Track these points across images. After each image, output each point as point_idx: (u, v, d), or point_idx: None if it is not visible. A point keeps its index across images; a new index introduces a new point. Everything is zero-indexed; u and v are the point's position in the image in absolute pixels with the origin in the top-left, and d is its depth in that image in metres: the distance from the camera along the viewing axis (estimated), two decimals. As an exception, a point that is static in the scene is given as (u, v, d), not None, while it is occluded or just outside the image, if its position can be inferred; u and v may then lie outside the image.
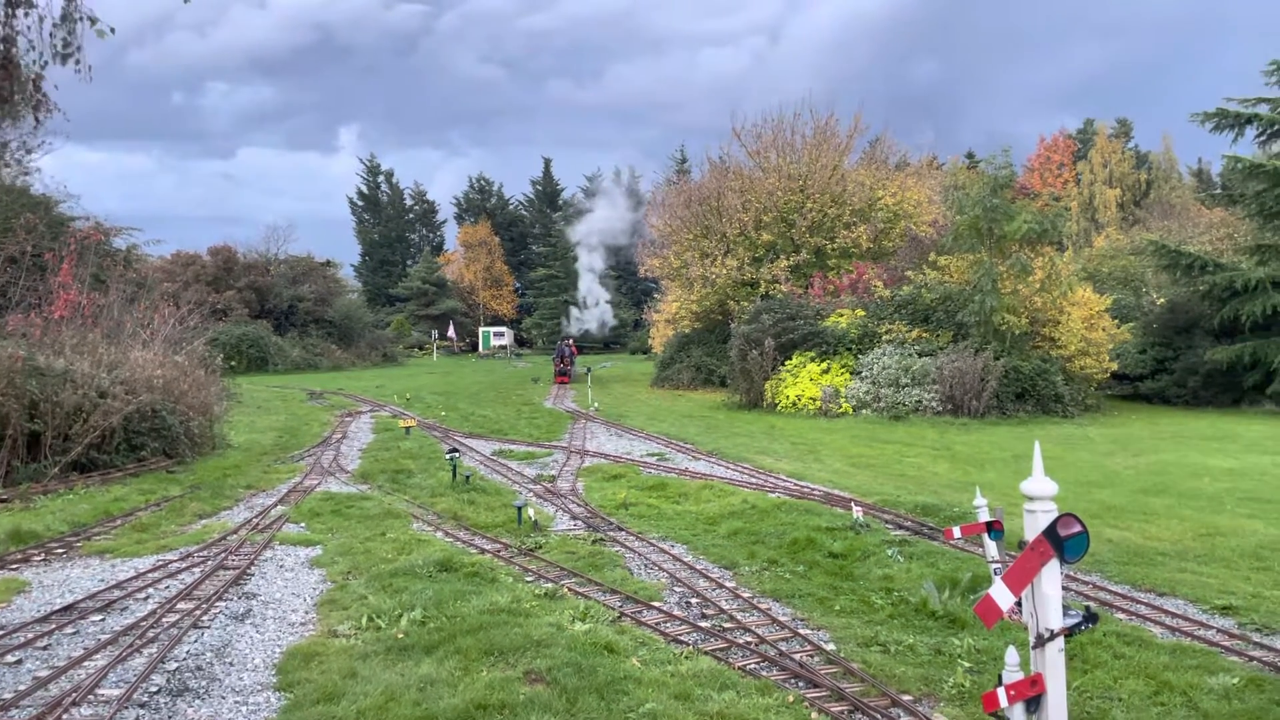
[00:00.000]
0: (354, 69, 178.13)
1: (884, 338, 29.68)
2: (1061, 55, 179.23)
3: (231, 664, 7.78)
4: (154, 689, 7.15)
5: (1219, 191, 43.86)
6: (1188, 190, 65.80)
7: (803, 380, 29.48)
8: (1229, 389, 30.64)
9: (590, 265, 75.57)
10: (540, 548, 11.76)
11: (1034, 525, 3.35)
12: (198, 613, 8.99)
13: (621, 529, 12.83)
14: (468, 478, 16.45)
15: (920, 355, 28.16)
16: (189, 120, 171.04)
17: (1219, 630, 8.45)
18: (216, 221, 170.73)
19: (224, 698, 7.06)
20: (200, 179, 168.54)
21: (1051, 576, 3.26)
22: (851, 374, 29.08)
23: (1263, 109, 31.58)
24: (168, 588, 10.07)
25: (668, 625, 8.68)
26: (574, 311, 77.72)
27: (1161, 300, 36.55)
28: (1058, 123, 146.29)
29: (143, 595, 9.77)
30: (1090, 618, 3.45)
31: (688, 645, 8.09)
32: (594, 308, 76.68)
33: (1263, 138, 32.40)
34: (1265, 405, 29.49)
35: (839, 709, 6.68)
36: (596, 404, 31.34)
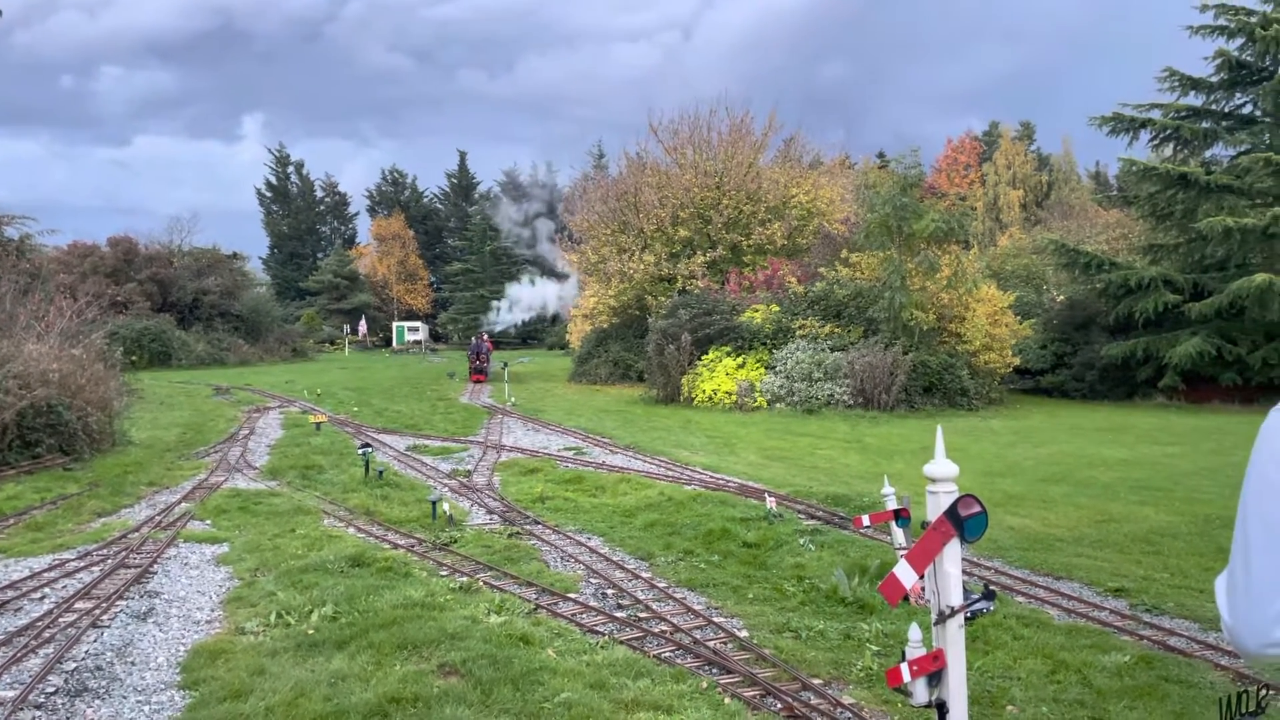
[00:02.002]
0: (256, 55, 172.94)
1: (798, 333, 30.14)
2: (967, 58, 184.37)
3: (133, 663, 7.55)
4: (51, 690, 6.90)
5: (1115, 193, 45.63)
6: (1086, 192, 68.26)
7: (719, 375, 29.76)
8: (1123, 383, 31.90)
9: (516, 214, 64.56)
10: (455, 542, 11.67)
11: (936, 506, 3.46)
12: (97, 612, 8.70)
13: (538, 522, 12.81)
14: (380, 473, 16.21)
15: (832, 350, 28.67)
16: (80, 106, 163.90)
17: (1112, 611, 8.82)
18: (112, 212, 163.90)
19: (125, 697, 6.85)
20: (93, 167, 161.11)
21: (952, 555, 3.37)
22: (766, 368, 29.47)
23: (1156, 114, 32.95)
24: (65, 587, 9.72)
25: (584, 616, 8.71)
26: (502, 304, 64.80)
27: (1061, 297, 37.88)
28: (963, 124, 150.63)
29: (38, 595, 9.41)
30: (988, 595, 3.57)
31: (603, 635, 8.13)
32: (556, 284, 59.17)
33: (1156, 141, 33.84)
34: (1156, 398, 30.81)
35: (751, 694, 6.79)
36: (513, 399, 31.17)
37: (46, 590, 9.58)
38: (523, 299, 61.26)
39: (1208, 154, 33.82)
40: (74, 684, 7.06)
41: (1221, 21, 31.47)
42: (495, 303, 65.36)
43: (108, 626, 8.42)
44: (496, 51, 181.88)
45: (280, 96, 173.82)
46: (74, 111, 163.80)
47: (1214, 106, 32.87)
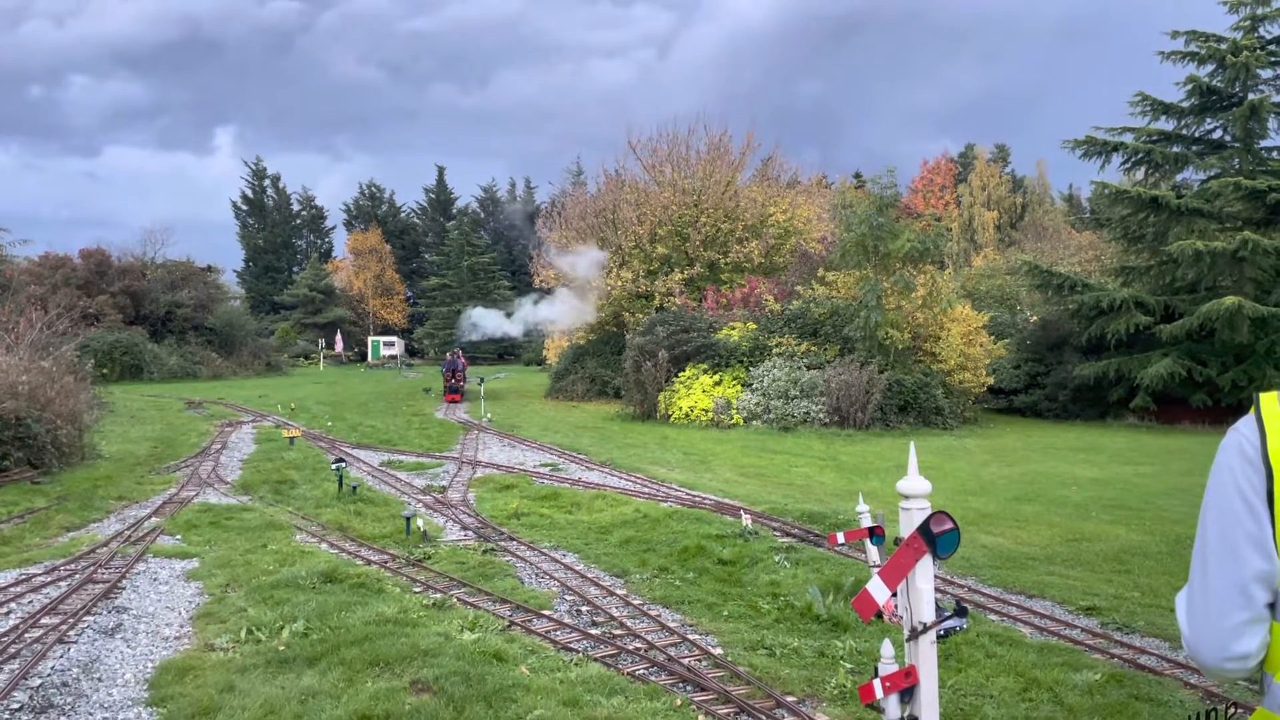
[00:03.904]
0: (226, 66, 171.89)
1: (774, 351, 30.24)
2: (942, 80, 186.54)
3: (100, 680, 7.44)
4: (15, 706, 6.79)
5: (1088, 215, 46.32)
6: (1059, 214, 69.10)
7: (695, 392, 29.79)
8: (1095, 403, 32.20)
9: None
10: (429, 558, 11.60)
11: (909, 522, 3.48)
12: (64, 628, 8.57)
13: (513, 539, 12.76)
14: (354, 488, 16.10)
15: (809, 368, 28.78)
16: (49, 115, 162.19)
17: (1083, 629, 8.88)
18: (82, 224, 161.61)
19: (92, 714, 6.75)
20: (61, 178, 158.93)
21: (924, 571, 3.39)
22: (743, 386, 29.52)
23: (1128, 138, 33.43)
24: (31, 602, 9.58)
25: (558, 633, 8.67)
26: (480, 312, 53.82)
27: (1034, 318, 38.24)
28: (937, 145, 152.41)
29: (3, 611, 9.26)
30: (960, 612, 3.59)
31: (577, 652, 8.09)
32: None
33: (1128, 165, 34.35)
34: (1128, 419, 31.11)
35: (725, 711, 6.78)
36: (489, 415, 31.05)
37: (12, 605, 9.44)
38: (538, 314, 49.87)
39: (1179, 178, 34.33)
40: (39, 700, 6.94)
41: (1193, 48, 32.02)
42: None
43: (74, 642, 8.30)
44: (470, 66, 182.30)
45: (253, 109, 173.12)
46: (43, 121, 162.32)
47: (1185, 131, 33.37)
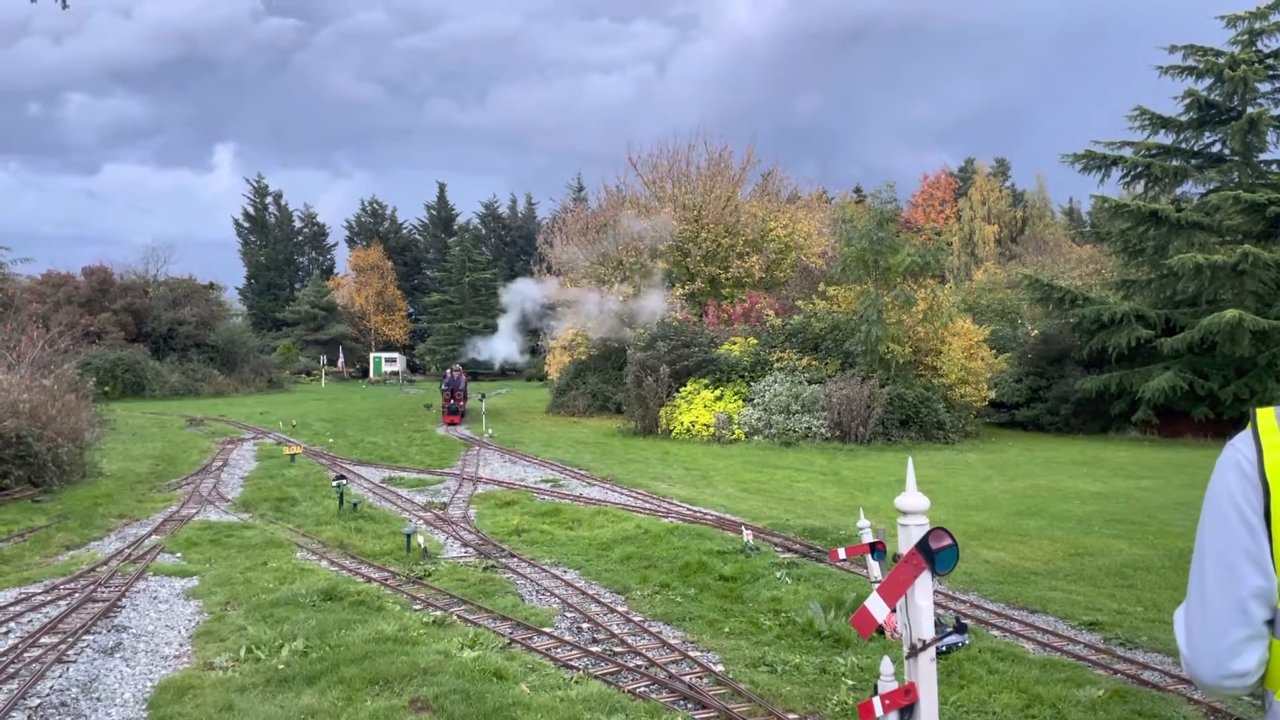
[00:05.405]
0: (223, 84, 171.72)
1: (775, 365, 30.22)
2: (940, 93, 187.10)
3: (99, 699, 7.41)
4: (12, 728, 6.77)
5: (1088, 229, 46.37)
6: (1060, 227, 69.25)
7: (697, 407, 29.77)
8: (1097, 416, 32.16)
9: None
10: (429, 575, 11.57)
11: (907, 539, 3.47)
12: (63, 647, 8.54)
13: (514, 555, 12.72)
14: (355, 505, 16.08)
15: (810, 383, 28.75)
16: (48, 133, 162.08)
17: (1086, 645, 8.84)
18: (84, 241, 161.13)
19: (89, 735, 6.72)
20: (62, 195, 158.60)
21: (924, 588, 3.38)
22: (744, 401, 29.50)
23: (1127, 152, 33.53)
24: (30, 621, 9.55)
25: (558, 650, 8.64)
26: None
27: (1035, 332, 38.22)
28: (936, 159, 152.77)
29: (2, 630, 9.24)
30: (960, 629, 3.58)
31: (578, 670, 8.06)
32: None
33: (1127, 179, 34.44)
34: (1130, 432, 31.06)
35: (726, 729, 6.75)
36: (490, 431, 31.02)
37: (11, 625, 9.41)
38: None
39: (1178, 191, 34.38)
40: (37, 721, 6.92)
41: (1191, 62, 32.14)
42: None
43: (73, 662, 8.27)
44: (468, 82, 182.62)
45: (251, 126, 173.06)
46: (42, 139, 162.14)
47: (1184, 145, 33.46)
